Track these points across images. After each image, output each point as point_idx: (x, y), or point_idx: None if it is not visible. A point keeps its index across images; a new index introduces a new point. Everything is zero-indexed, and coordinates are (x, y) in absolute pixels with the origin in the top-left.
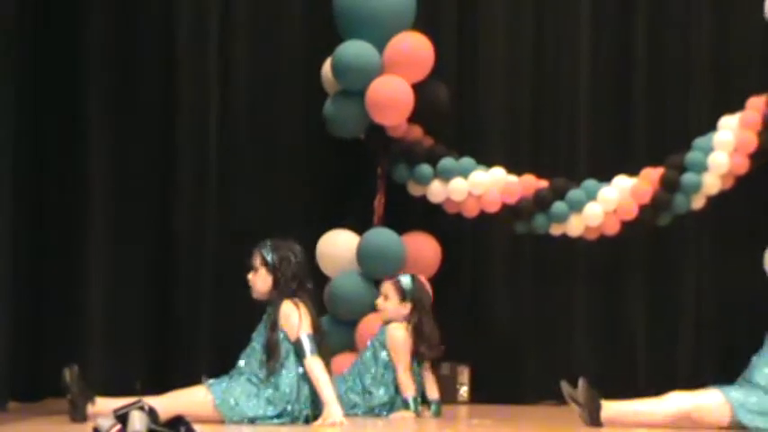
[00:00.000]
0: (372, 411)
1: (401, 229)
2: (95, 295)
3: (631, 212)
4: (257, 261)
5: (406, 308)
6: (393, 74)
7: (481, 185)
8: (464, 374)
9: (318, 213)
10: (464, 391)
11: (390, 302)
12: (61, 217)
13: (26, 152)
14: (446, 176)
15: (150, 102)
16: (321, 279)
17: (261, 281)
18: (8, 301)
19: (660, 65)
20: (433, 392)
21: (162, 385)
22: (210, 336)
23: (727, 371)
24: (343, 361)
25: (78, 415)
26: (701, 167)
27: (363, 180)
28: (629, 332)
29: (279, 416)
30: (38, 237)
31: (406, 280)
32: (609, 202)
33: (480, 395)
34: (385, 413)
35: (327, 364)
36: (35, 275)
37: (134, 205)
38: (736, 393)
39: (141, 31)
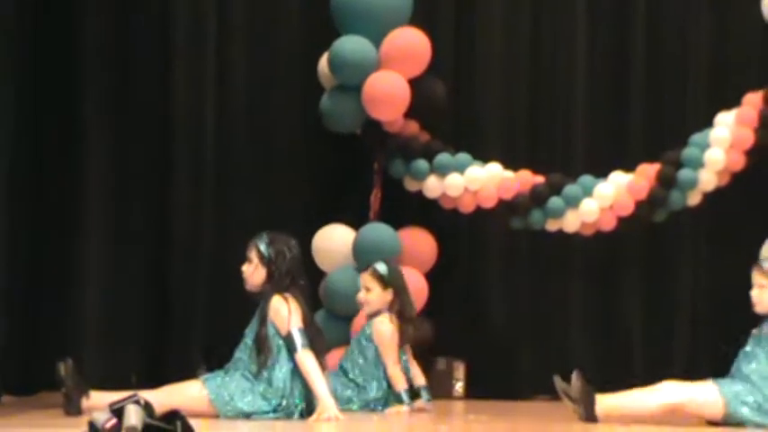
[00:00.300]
0: (368, 406)
1: (397, 224)
2: (91, 290)
3: (627, 208)
4: (252, 253)
5: (390, 294)
6: (390, 69)
7: (477, 181)
8: (460, 370)
9: (315, 208)
10: (460, 386)
11: (373, 293)
12: (58, 213)
13: (25, 152)
14: (442, 172)
15: (148, 101)
16: (317, 274)
17: (255, 273)
18: (3, 295)
19: (657, 61)
20: (419, 379)
21: (157, 379)
22: (206, 331)
23: (722, 366)
24: (339, 356)
25: (73, 408)
26: (698, 164)
27: (360, 175)
28: (625, 327)
29: (273, 411)
30: (35, 233)
31: (382, 267)
32: (605, 198)
33: (476, 390)
34: (380, 407)
35: (322, 360)
36: (31, 271)
37: (130, 202)
38: (729, 387)
39: (139, 32)
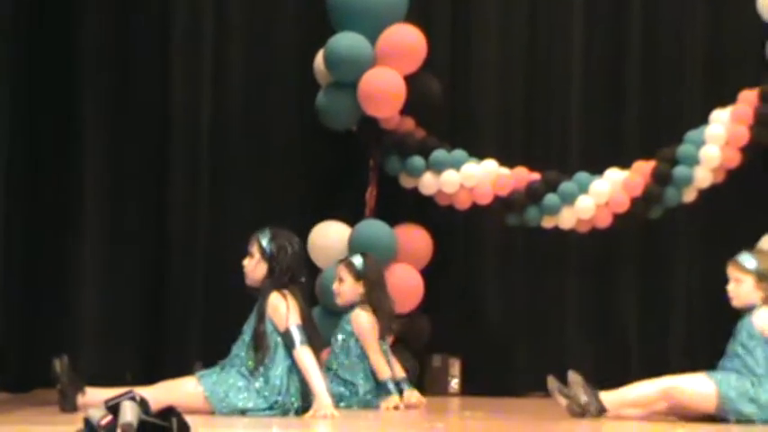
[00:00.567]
0: (362, 402)
1: (393, 220)
2: (87, 287)
3: (623, 205)
4: (254, 248)
5: (361, 287)
6: (385, 66)
7: (473, 178)
8: (455, 366)
9: (310, 205)
10: (455, 383)
11: (345, 284)
12: (54, 212)
13: (20, 151)
14: (438, 168)
15: (144, 100)
16: (313, 270)
17: (256, 268)
18: None
19: (653, 58)
20: (398, 371)
21: (152, 377)
22: (202, 328)
23: (718, 363)
24: None
25: (68, 405)
26: (693, 161)
27: (355, 172)
28: (621, 324)
29: (269, 408)
30: (31, 231)
31: (357, 259)
32: (601, 195)
33: (472, 387)
34: (374, 401)
35: (319, 357)
36: (27, 268)
37: (126, 201)
38: (723, 378)
39: (136, 30)
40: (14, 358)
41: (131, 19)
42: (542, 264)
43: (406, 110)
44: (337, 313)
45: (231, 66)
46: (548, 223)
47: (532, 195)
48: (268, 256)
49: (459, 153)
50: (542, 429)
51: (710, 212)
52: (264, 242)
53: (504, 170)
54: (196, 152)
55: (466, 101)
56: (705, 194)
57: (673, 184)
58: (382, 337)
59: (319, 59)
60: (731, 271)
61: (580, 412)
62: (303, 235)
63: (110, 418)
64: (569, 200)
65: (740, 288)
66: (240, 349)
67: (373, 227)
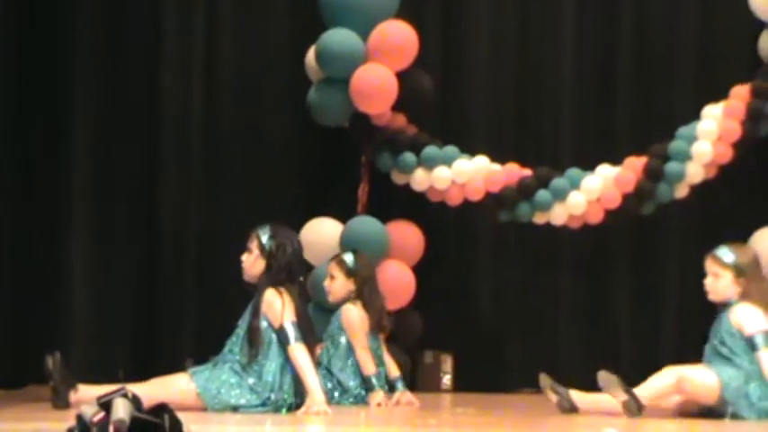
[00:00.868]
0: (352, 398)
1: (385, 217)
2: (79, 284)
3: (615, 201)
4: (253, 244)
5: (352, 284)
6: (377, 62)
7: (465, 174)
8: (447, 363)
9: (302, 201)
10: (447, 379)
11: (336, 281)
12: (45, 210)
13: (11, 151)
14: (430, 165)
15: (136, 96)
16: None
17: (254, 264)
18: None
19: (644, 54)
20: (393, 370)
21: (145, 374)
22: (194, 324)
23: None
24: None
25: (61, 402)
26: (685, 156)
27: (347, 168)
28: (613, 320)
29: (262, 405)
30: (22, 229)
31: (348, 257)
32: (592, 191)
33: (464, 383)
34: (365, 397)
35: (313, 356)
36: (18, 264)
37: (118, 197)
38: (723, 373)
39: (126, 26)
40: (7, 355)
41: (122, 17)
42: (534, 260)
43: (398, 106)
44: (329, 310)
45: (223, 63)
46: (539, 219)
47: (524, 191)
48: (267, 253)
49: (450, 149)
50: (534, 426)
51: (703, 208)
52: (264, 239)
53: (496, 166)
54: (188, 150)
55: (457, 97)
56: (697, 190)
57: (665, 180)
58: (374, 334)
59: (311, 56)
60: (709, 265)
61: (569, 408)
62: (295, 232)
63: (102, 414)
64: (561, 196)
65: (718, 282)
66: (234, 344)
67: (365, 223)
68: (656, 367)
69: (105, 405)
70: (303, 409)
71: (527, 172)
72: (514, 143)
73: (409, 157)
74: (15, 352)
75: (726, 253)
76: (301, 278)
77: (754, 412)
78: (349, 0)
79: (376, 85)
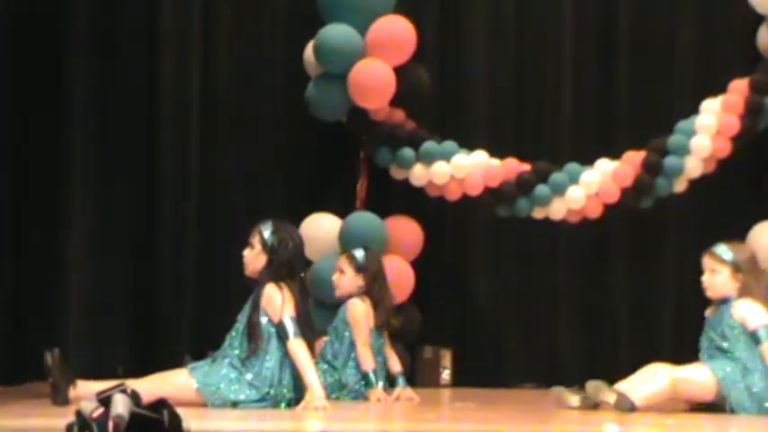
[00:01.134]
0: (352, 392)
1: (383, 212)
2: (77, 279)
3: (613, 195)
4: (255, 239)
5: (361, 279)
6: (375, 57)
7: (463, 169)
8: (446, 358)
9: (301, 196)
10: (446, 374)
11: (345, 276)
12: (43, 203)
13: (8, 142)
14: (428, 160)
15: (132, 89)
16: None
17: (255, 259)
18: None
19: (643, 48)
20: (395, 365)
21: (144, 370)
22: (192, 320)
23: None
24: None
25: (60, 398)
26: (684, 151)
27: (346, 164)
28: (612, 315)
29: (261, 400)
30: (20, 222)
31: (359, 253)
32: (591, 186)
33: (463, 379)
34: (364, 390)
35: (312, 349)
36: (16, 258)
37: (116, 190)
38: (720, 368)
39: (124, 18)
40: (5, 351)
41: (120, 5)
42: (533, 255)
43: (396, 101)
44: (329, 305)
45: (220, 55)
46: (538, 214)
47: (523, 186)
48: (268, 248)
49: (449, 144)
50: (534, 420)
51: (701, 203)
52: (266, 234)
53: (495, 161)
54: (185, 144)
55: (456, 92)
56: (696, 184)
57: (663, 175)
58: (379, 331)
59: (309, 51)
60: (707, 261)
61: (594, 405)
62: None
63: (101, 410)
64: (560, 190)
65: (715, 279)
66: (234, 339)
67: (364, 219)
68: (653, 361)
69: (104, 401)
70: (302, 404)
71: (526, 167)
72: (513, 138)
73: (408, 152)
74: (14, 348)
75: (724, 250)
76: (302, 274)
77: (755, 406)
78: None
79: (374, 80)
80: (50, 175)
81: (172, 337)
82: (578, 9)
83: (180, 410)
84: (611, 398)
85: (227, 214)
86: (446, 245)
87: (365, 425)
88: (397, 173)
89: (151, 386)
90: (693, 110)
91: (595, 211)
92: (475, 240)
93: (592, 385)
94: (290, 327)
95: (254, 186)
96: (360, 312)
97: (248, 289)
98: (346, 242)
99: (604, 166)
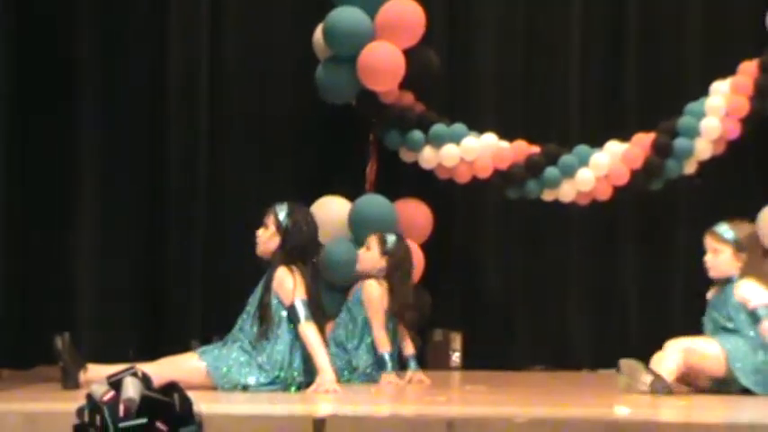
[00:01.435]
0: (363, 375)
1: (393, 195)
2: (87, 263)
3: (623, 177)
4: (270, 220)
5: (384, 262)
6: (384, 40)
7: (473, 151)
8: (456, 341)
9: (310, 180)
10: (456, 357)
11: (370, 253)
12: (52, 185)
13: (17, 131)
14: (438, 142)
15: (141, 74)
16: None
17: (269, 240)
18: None
19: (652, 30)
20: (408, 348)
21: (154, 354)
22: (202, 304)
23: None
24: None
25: (70, 382)
26: (693, 132)
27: (355, 146)
28: (621, 297)
29: (271, 383)
30: (29, 205)
31: (391, 238)
32: (601, 168)
33: (473, 361)
34: (375, 375)
35: (323, 332)
36: (25, 243)
37: (124, 176)
38: (731, 345)
39: (132, 7)
40: (16, 335)
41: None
42: (543, 237)
43: (406, 84)
44: (339, 289)
45: (229, 38)
46: (548, 196)
47: (532, 168)
48: (282, 230)
49: (458, 127)
50: (544, 402)
51: (711, 184)
52: (281, 216)
53: (504, 143)
54: (194, 128)
55: (465, 74)
56: (705, 166)
57: (673, 156)
58: (392, 314)
59: (318, 34)
60: (709, 241)
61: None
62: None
63: (112, 393)
64: (569, 173)
65: (718, 258)
66: (245, 322)
67: (373, 201)
68: (663, 343)
69: (115, 384)
70: (313, 387)
71: (535, 149)
72: (522, 120)
73: (417, 134)
74: (24, 332)
75: (725, 229)
76: (314, 260)
77: (761, 384)
78: None
79: (384, 63)
80: (60, 163)
81: (183, 322)
82: None
83: (190, 394)
84: (647, 378)
85: (236, 197)
86: (456, 228)
87: (376, 407)
88: (406, 156)
89: (161, 370)
90: (703, 92)
91: (605, 194)
92: (484, 223)
93: (627, 364)
94: (302, 310)
95: (264, 170)
96: (375, 293)
97: (258, 273)
98: (356, 225)
99: (614, 148)
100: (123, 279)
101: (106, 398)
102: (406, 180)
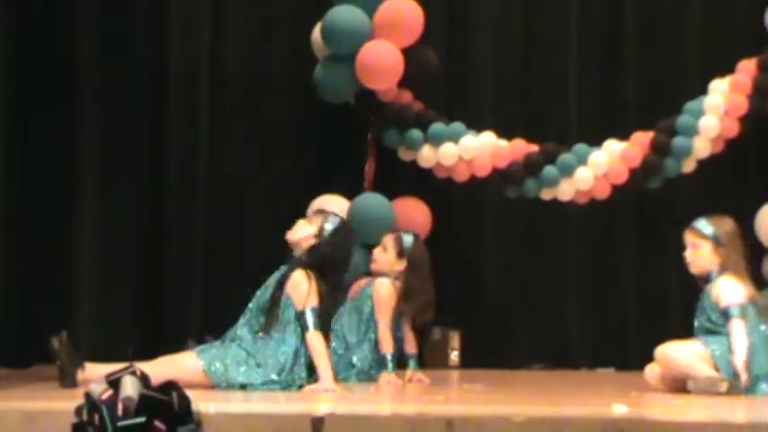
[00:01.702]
0: (360, 374)
1: (391, 193)
2: (86, 262)
3: (622, 176)
4: (317, 221)
5: (401, 264)
6: (383, 38)
7: (471, 150)
8: (455, 339)
9: (309, 178)
10: (455, 355)
11: (387, 255)
12: (52, 185)
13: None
14: (436, 141)
15: (141, 75)
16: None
17: (305, 237)
18: None
19: (651, 28)
20: (411, 347)
21: (154, 353)
22: (201, 303)
23: None
24: None
25: (68, 381)
26: (692, 131)
27: (354, 145)
28: (620, 296)
29: (269, 383)
30: (29, 205)
31: (408, 237)
32: (599, 166)
33: (471, 360)
34: (374, 373)
35: (328, 343)
36: (24, 240)
37: (124, 175)
38: (716, 346)
39: (132, 6)
40: (13, 333)
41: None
42: (541, 236)
43: (404, 83)
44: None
45: (228, 37)
46: (546, 195)
47: (531, 167)
48: (320, 237)
49: (457, 125)
50: (543, 401)
51: (710, 183)
52: (328, 225)
53: (503, 142)
54: (194, 127)
55: (464, 73)
56: (704, 165)
57: (672, 155)
58: (400, 314)
59: (317, 33)
60: (689, 237)
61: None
62: (302, 209)
63: (110, 392)
64: (568, 171)
65: (697, 253)
66: (248, 318)
67: (372, 200)
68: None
69: (114, 383)
70: (310, 387)
71: (534, 148)
72: (521, 119)
73: (416, 133)
74: (23, 332)
75: (704, 224)
76: (334, 276)
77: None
78: None
79: (382, 62)
80: (60, 163)
81: (182, 322)
82: None
83: (188, 393)
84: (724, 387)
85: (235, 199)
86: (454, 226)
87: (375, 406)
88: (405, 154)
89: (159, 369)
90: (702, 90)
91: (604, 192)
92: (483, 222)
93: (701, 381)
94: (311, 318)
95: (263, 168)
96: (386, 293)
97: (259, 271)
98: (354, 224)
99: (613, 146)
100: (123, 279)
101: (105, 396)
102: (405, 179)
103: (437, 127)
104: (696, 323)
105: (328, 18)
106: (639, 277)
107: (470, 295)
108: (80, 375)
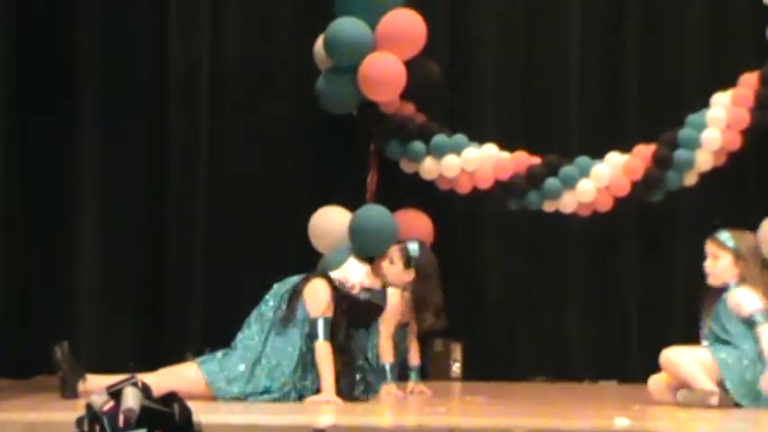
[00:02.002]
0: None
1: (393, 205)
2: (87, 273)
3: (624, 189)
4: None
5: (410, 275)
6: (385, 50)
7: (474, 162)
8: (457, 351)
9: (311, 189)
10: (456, 367)
11: (394, 267)
12: (52, 185)
13: (16, 129)
14: (439, 153)
15: (142, 83)
16: (314, 255)
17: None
18: None
19: (654, 41)
20: (414, 359)
21: (156, 365)
22: (201, 315)
23: None
24: None
25: (69, 392)
26: (694, 144)
27: (356, 157)
28: (622, 307)
29: (270, 392)
30: (29, 205)
31: (413, 246)
32: (601, 179)
33: (473, 372)
34: (375, 384)
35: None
36: (24, 240)
37: (123, 181)
38: (722, 355)
39: (133, 10)
40: (16, 345)
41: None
42: (543, 248)
43: (407, 95)
44: None
45: (230, 51)
46: (548, 207)
47: (533, 179)
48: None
49: (459, 137)
50: (545, 413)
51: (712, 196)
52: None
53: (505, 154)
54: (194, 127)
55: (466, 85)
56: (706, 178)
57: (674, 168)
58: (404, 327)
59: (319, 44)
60: (710, 247)
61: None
62: (304, 219)
63: (112, 403)
64: (570, 184)
65: (717, 264)
66: (253, 323)
67: (374, 211)
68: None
69: (115, 394)
70: (312, 397)
71: (536, 160)
72: (523, 131)
73: (418, 145)
74: (23, 338)
75: (727, 237)
76: (351, 302)
77: (749, 397)
78: None
79: (385, 74)
80: (60, 163)
81: (182, 322)
82: (587, 2)
83: (190, 404)
84: (715, 398)
85: (236, 208)
86: (456, 238)
87: (376, 418)
88: (407, 166)
89: (160, 380)
90: (704, 103)
91: (606, 205)
92: (485, 234)
93: (687, 395)
94: (322, 328)
95: (264, 179)
96: (392, 305)
97: (261, 284)
98: (356, 235)
99: (615, 159)
100: (123, 279)
101: (106, 408)
102: (407, 190)
103: (439, 139)
104: (705, 329)
105: (331, 30)
106: (642, 289)
107: (472, 307)
108: (81, 386)
